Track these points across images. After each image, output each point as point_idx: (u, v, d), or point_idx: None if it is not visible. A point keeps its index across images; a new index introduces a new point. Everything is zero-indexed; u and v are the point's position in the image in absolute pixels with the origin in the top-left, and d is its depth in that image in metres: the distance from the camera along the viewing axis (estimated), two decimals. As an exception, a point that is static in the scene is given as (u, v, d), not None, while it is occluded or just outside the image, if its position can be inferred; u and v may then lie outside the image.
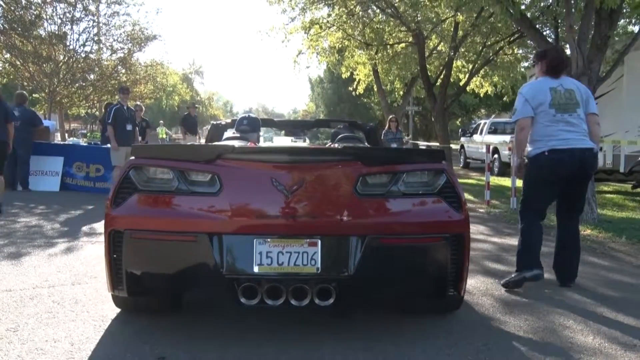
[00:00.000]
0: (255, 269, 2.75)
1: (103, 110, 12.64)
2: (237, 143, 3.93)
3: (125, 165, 3.02)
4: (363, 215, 2.88)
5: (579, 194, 4.16)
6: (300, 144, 6.98)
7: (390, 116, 13.43)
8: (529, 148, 4.17)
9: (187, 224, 2.83)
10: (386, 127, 12.62)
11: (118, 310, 3.33)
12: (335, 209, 2.86)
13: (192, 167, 2.92)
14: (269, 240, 2.78)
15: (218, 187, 2.85)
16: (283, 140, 9.76)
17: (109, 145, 9.53)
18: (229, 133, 5.10)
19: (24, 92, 9.99)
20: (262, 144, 5.33)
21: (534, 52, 14.18)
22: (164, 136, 29.16)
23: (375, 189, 2.94)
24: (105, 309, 3.35)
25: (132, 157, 3.05)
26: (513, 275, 4.12)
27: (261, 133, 5.14)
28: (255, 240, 2.78)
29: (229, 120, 5.73)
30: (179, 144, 4.91)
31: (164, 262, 2.89)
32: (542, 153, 3.99)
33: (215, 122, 6.04)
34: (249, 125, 4.49)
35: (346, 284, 2.81)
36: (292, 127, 6.93)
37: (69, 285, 3.87)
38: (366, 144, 5.34)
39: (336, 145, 4.58)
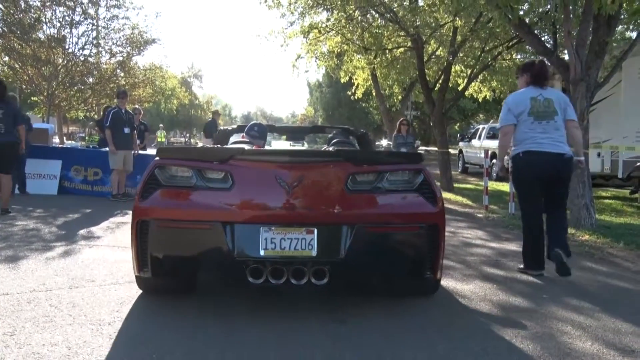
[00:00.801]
0: (262, 253, 3.23)
1: (102, 113, 12.63)
2: (246, 146, 4.33)
3: (151, 165, 3.50)
4: (352, 207, 3.37)
5: (558, 195, 4.58)
6: (299, 147, 7.48)
7: (401, 119, 12.60)
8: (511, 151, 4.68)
9: (204, 214, 3.31)
10: (396, 130, 11.82)
11: (115, 313, 3.32)
12: (329, 202, 3.36)
13: (208, 167, 3.42)
14: (273, 228, 3.25)
15: (230, 183, 3.36)
16: (282, 144, 10.20)
17: (106, 148, 9.53)
18: (236, 137, 5.64)
19: (14, 93, 9.96)
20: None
21: (531, 57, 14.25)
22: (163, 140, 29.17)
23: (363, 186, 3.46)
24: (102, 313, 3.34)
25: (157, 158, 3.55)
26: (521, 267, 4.77)
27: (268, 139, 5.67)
28: (261, 228, 3.25)
29: (235, 126, 6.40)
30: (197, 147, 5.39)
31: (184, 247, 3.36)
32: (517, 154, 4.55)
33: (222, 128, 6.78)
34: (259, 132, 4.91)
35: (338, 266, 3.29)
36: (292, 132, 7.57)
37: (67, 289, 3.86)
38: (357, 147, 5.85)
39: (330, 148, 4.97)
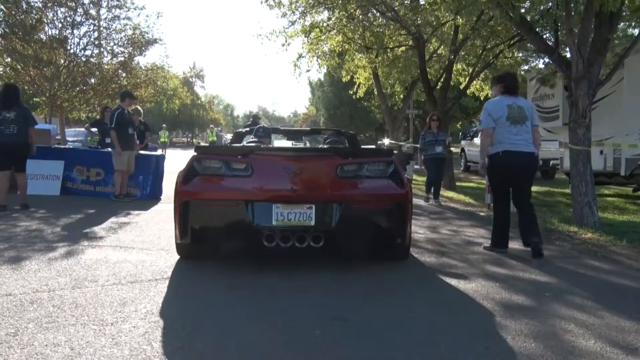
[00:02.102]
0: (274, 223, 4.34)
1: (100, 114, 12.62)
2: (260, 145, 5.65)
3: (191, 158, 4.63)
4: (341, 190, 4.54)
5: (525, 187, 5.42)
6: (301, 145, 8.74)
7: (431, 113, 11.07)
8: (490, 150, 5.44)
9: (231, 195, 4.46)
10: (426, 126, 10.68)
11: (118, 314, 3.33)
12: (323, 186, 4.55)
13: (233, 159, 4.60)
14: (281, 205, 4.35)
15: (250, 171, 4.52)
16: (285, 144, 11.46)
17: (109, 149, 9.53)
18: (248, 138, 6.84)
19: None
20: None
21: (534, 55, 14.23)
22: (166, 140, 29.23)
23: (349, 173, 4.61)
24: (105, 313, 3.34)
25: (195, 153, 4.67)
26: (487, 245, 5.68)
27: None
28: (273, 205, 4.35)
29: (247, 129, 7.74)
30: (225, 145, 7.08)
31: (216, 219, 4.51)
32: (497, 153, 5.32)
33: (237, 130, 8.40)
34: (264, 133, 6.25)
35: (330, 233, 4.42)
36: (294, 134, 9.12)
37: (69, 290, 3.86)
38: (347, 145, 7.06)
39: (325, 146, 6.42)
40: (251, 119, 13.83)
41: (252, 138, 6.35)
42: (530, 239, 5.23)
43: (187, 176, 4.57)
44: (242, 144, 6.57)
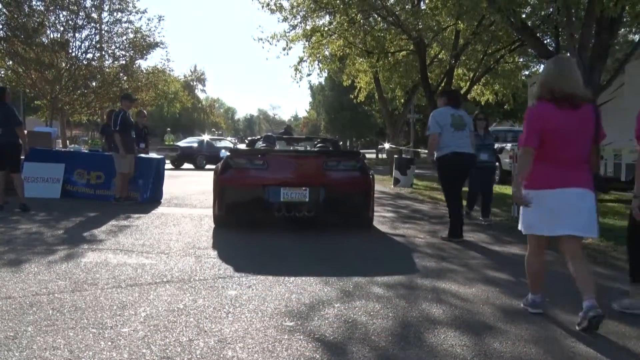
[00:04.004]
0: (282, 199, 6.53)
1: (105, 118, 12.61)
2: (272, 148, 8.08)
3: (226, 157, 6.97)
4: (325, 178, 6.77)
5: (463, 182, 6.83)
6: (300, 148, 9.51)
7: (476, 112, 9.37)
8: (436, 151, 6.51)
9: (254, 181, 6.71)
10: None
11: (117, 317, 3.32)
12: (314, 175, 6.76)
13: (255, 158, 6.89)
14: (286, 188, 6.53)
15: (266, 166, 6.74)
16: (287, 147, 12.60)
17: (111, 152, 9.52)
18: (260, 143, 8.75)
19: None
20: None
21: (535, 60, 14.24)
22: (171, 142, 29.24)
23: (331, 167, 6.82)
24: (104, 317, 3.34)
25: (228, 154, 7.07)
26: (444, 236, 6.57)
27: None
28: (281, 188, 6.53)
29: (259, 137, 9.74)
30: (249, 148, 8.62)
31: (243, 197, 6.74)
32: (447, 154, 6.35)
33: (250, 138, 11.00)
34: (270, 140, 8.78)
35: (318, 207, 6.64)
36: (292, 141, 10.84)
37: (69, 293, 3.86)
38: (330, 148, 8.88)
39: (315, 148, 8.61)
40: (284, 129, 16.85)
41: (262, 143, 8.58)
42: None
43: (223, 169, 6.85)
44: (257, 147, 8.40)
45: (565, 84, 3.40)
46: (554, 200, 3.40)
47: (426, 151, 10.25)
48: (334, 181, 6.74)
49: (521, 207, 3.58)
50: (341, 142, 29.49)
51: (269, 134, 10.19)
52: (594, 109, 3.52)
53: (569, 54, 7.44)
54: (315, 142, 9.36)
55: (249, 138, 11.02)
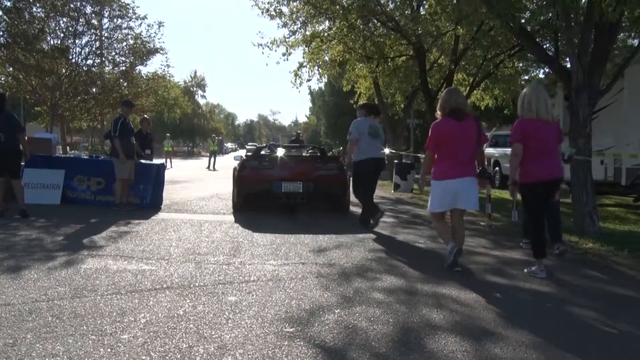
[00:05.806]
0: (283, 190, 8.98)
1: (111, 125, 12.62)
2: (275, 153, 10.25)
3: (242, 160, 9.85)
4: (314, 175, 9.19)
5: (376, 183, 8.06)
6: (296, 153, 12.57)
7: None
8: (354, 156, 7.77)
9: (264, 177, 9.11)
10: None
11: (117, 324, 3.31)
12: (307, 173, 9.22)
13: (264, 160, 9.57)
14: (286, 182, 8.98)
15: (273, 166, 9.28)
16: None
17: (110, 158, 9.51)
18: (264, 150, 11.16)
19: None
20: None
21: (534, 65, 14.25)
22: (170, 149, 29.24)
23: (319, 167, 9.43)
24: (104, 323, 3.33)
25: (244, 157, 10.33)
26: (371, 223, 7.60)
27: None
28: (282, 182, 8.99)
29: (263, 144, 12.32)
30: (260, 153, 10.61)
31: (255, 189, 9.10)
32: (365, 159, 7.56)
33: (256, 145, 13.70)
34: (273, 148, 11.04)
35: (309, 196, 9.08)
36: (290, 147, 13.30)
37: (68, 299, 3.85)
38: (318, 153, 11.38)
39: (307, 154, 11.46)
40: (295, 136, 19.70)
41: (266, 150, 11.08)
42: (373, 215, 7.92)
43: (241, 168, 9.28)
44: (263, 153, 10.80)
45: (453, 103, 5.12)
46: (449, 186, 5.08)
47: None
48: (320, 177, 9.14)
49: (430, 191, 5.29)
50: (341, 148, 36.75)
51: (272, 142, 15.18)
52: (475, 120, 5.20)
53: (568, 59, 7.45)
54: (308, 148, 12.53)
55: (250, 144, 14.81)
